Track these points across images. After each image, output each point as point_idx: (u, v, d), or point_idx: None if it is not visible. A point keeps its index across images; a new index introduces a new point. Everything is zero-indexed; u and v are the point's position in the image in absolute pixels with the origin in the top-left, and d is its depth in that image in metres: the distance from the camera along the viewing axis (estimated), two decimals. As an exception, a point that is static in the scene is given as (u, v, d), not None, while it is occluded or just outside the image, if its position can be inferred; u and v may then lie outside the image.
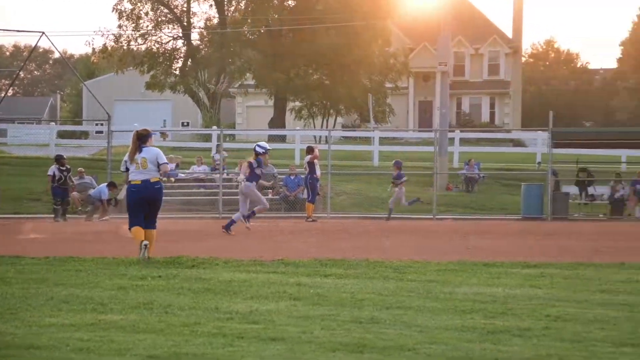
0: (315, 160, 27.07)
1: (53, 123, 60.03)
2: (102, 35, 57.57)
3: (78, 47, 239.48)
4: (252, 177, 21.36)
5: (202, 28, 59.70)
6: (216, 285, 11.15)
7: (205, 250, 15.73)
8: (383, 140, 45.39)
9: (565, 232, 23.16)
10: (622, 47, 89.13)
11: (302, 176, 29.21)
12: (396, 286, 11.22)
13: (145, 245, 13.97)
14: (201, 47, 59.83)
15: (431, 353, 7.37)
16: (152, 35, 58.23)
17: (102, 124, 52.29)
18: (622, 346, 7.67)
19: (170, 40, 59.33)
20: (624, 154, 39.74)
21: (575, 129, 57.06)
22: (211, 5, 59.40)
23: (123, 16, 57.25)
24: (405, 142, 51.20)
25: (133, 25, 57.41)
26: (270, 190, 32.44)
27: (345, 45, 52.83)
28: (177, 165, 34.63)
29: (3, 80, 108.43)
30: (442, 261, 14.00)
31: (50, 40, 44.25)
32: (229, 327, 8.43)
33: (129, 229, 14.44)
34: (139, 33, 57.59)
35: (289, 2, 58.78)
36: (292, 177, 32.03)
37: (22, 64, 75.32)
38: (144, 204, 14.26)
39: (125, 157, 14.63)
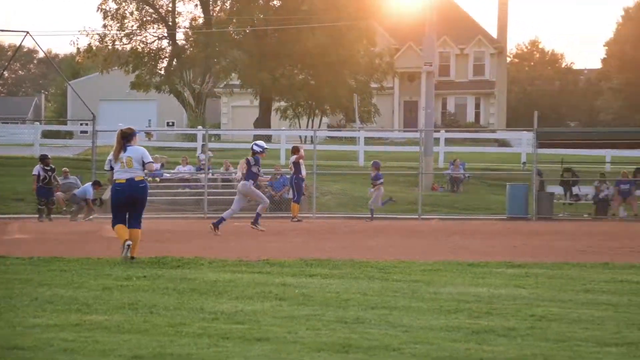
0: (301, 160, 27.06)
1: (37, 123, 59.85)
2: (87, 35, 57.43)
3: (63, 47, 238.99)
4: (249, 175, 21.29)
5: (187, 28, 59.57)
6: (201, 286, 11.13)
7: (190, 250, 15.71)
8: (368, 140, 45.43)
9: (550, 232, 23.21)
10: (606, 48, 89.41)
11: (288, 176, 29.19)
12: (381, 286, 11.23)
13: (128, 245, 13.94)
14: (186, 47, 59.71)
15: (416, 353, 7.38)
16: (137, 35, 58.09)
17: (86, 124, 52.25)
18: (606, 346, 7.69)
19: (155, 40, 59.21)
20: (608, 154, 39.90)
21: (560, 129, 57.28)
22: (196, 5, 59.31)
23: (108, 16, 57.08)
24: (390, 142, 51.29)
25: (118, 25, 57.26)
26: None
27: (330, 45, 52.84)
28: (162, 165, 34.60)
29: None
30: (427, 261, 14.02)
31: (35, 39, 44.03)
32: (214, 327, 8.41)
33: (112, 227, 14.41)
34: (124, 33, 57.44)
35: (275, 2, 58.74)
36: (278, 177, 32.02)
37: (7, 63, 74.85)
38: (128, 203, 14.22)
39: (110, 156, 14.57)
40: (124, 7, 57.39)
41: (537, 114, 32.35)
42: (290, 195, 28.65)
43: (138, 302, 9.77)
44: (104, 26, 57.38)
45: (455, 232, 22.55)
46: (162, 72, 60.00)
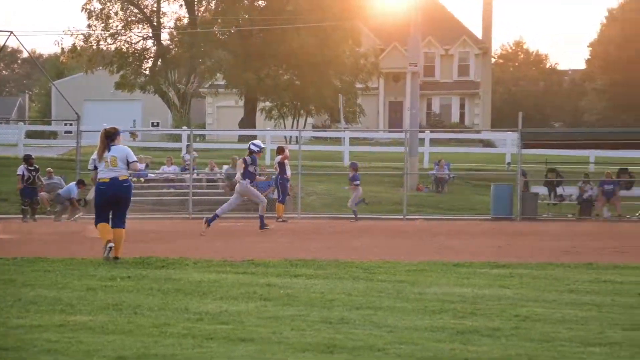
0: (286, 161, 27.03)
1: (21, 123, 59.59)
2: (72, 35, 57.33)
3: (47, 47, 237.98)
4: (246, 174, 21.28)
5: (172, 28, 59.50)
6: (186, 286, 11.11)
7: (175, 250, 15.68)
8: (353, 141, 45.46)
9: (534, 232, 23.27)
10: (590, 49, 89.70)
11: (273, 176, 29.16)
12: (366, 286, 11.23)
13: (110, 247, 13.92)
14: (171, 47, 59.64)
15: (401, 353, 7.38)
16: (121, 35, 57.99)
17: (71, 124, 52.05)
18: (590, 346, 7.71)
19: (140, 40, 59.13)
20: (592, 154, 40.05)
21: (544, 129, 57.40)
22: (181, 5, 59.26)
23: (92, 16, 56.96)
24: (375, 143, 51.34)
25: (102, 25, 57.15)
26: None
27: (315, 45, 52.87)
28: (147, 166, 34.54)
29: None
30: (412, 261, 14.03)
31: (19, 39, 43.95)
32: (199, 327, 8.40)
33: (95, 225, 14.38)
34: (109, 33, 57.33)
35: (260, 3, 58.75)
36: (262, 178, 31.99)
37: (-10, 63, 74.74)
38: (112, 202, 14.19)
39: (94, 156, 14.52)
40: (108, 7, 57.29)
41: (522, 114, 32.44)
42: (275, 196, 28.62)
43: (122, 303, 9.75)
44: (89, 26, 57.31)
45: (440, 233, 22.58)
46: (147, 72, 59.91)
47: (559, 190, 33.12)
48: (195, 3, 58.86)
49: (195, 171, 33.58)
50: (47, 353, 7.38)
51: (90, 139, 34.77)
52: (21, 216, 28.17)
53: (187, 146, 37.99)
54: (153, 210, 30.66)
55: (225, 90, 60.46)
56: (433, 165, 38.72)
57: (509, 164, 39.71)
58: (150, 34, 58.84)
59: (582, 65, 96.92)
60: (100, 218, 14.26)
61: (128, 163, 14.21)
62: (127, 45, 58.38)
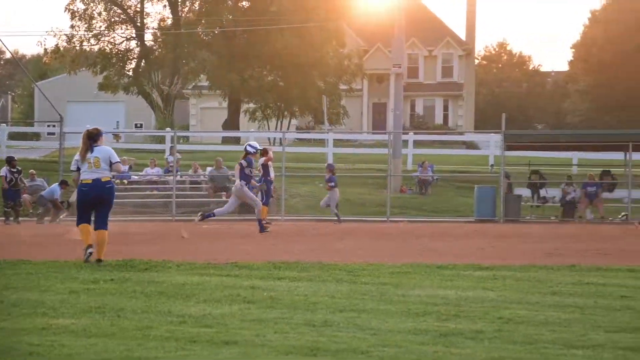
0: (270, 163, 26.99)
1: (4, 124, 59.27)
2: (55, 36, 57.15)
3: (30, 48, 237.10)
4: (242, 176, 21.28)
5: (156, 29, 59.37)
6: (169, 289, 11.08)
7: (158, 253, 15.64)
8: (337, 142, 45.50)
9: (518, 234, 23.33)
10: (573, 50, 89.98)
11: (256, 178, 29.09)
12: (349, 289, 11.23)
13: (90, 252, 13.89)
14: (155, 47, 59.52)
15: (384, 356, 7.38)
16: (105, 36, 57.83)
17: (54, 126, 51.84)
18: (573, 348, 7.74)
19: (123, 41, 58.95)
20: (575, 156, 40.19)
21: (527, 131, 57.53)
22: (165, 6, 59.12)
23: (76, 16, 56.77)
24: (359, 144, 51.40)
25: (86, 25, 56.97)
26: (225, 193, 32.39)
27: (299, 46, 52.85)
28: (130, 167, 34.45)
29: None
30: (395, 263, 14.04)
31: (1, 40, 43.77)
32: (182, 330, 8.39)
33: (77, 224, 14.36)
34: (92, 33, 57.16)
35: (243, 4, 58.67)
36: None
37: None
38: (94, 203, 14.14)
39: (76, 157, 14.44)
40: (92, 7, 57.11)
41: (505, 116, 32.54)
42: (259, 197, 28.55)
43: (105, 306, 9.72)
44: (72, 27, 57.10)
45: (423, 235, 22.62)
46: (130, 73, 59.76)
47: (542, 192, 33.23)
48: (179, 4, 58.75)
49: (178, 173, 33.52)
50: (29, 356, 7.35)
51: (73, 141, 34.62)
52: (3, 218, 28.06)
53: (171, 148, 37.92)
54: (136, 213, 30.59)
55: (208, 92, 60.39)
56: (417, 167, 38.77)
57: (492, 165, 39.79)
58: (134, 35, 58.69)
59: (565, 67, 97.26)
60: (82, 219, 14.25)
61: (111, 164, 14.18)
62: (110, 46, 58.23)
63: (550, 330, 8.55)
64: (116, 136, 53.69)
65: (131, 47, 59.50)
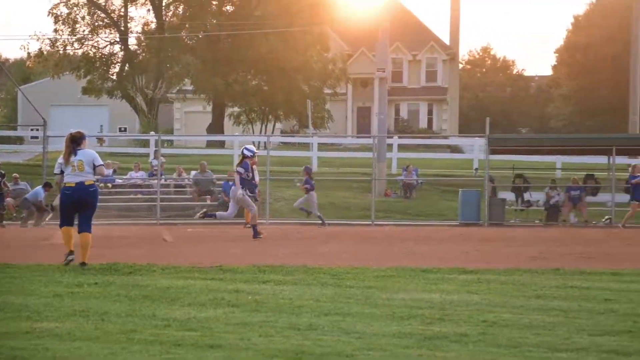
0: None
1: (-13, 128, 59.15)
2: (38, 40, 56.94)
3: (13, 51, 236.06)
4: (242, 183, 21.27)
5: (140, 33, 59.23)
6: (153, 292, 11.06)
7: (142, 256, 15.60)
8: (322, 146, 45.47)
9: (502, 237, 23.38)
10: (556, 55, 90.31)
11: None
12: (334, 292, 11.23)
13: (71, 259, 13.89)
14: (139, 52, 59.36)
15: (369, 359, 7.38)
16: (88, 40, 57.65)
17: (37, 129, 51.68)
18: (557, 351, 7.76)
19: (107, 45, 58.75)
20: (559, 160, 40.30)
21: (511, 135, 57.68)
22: (149, 10, 58.99)
23: (59, 20, 56.57)
24: (343, 148, 51.36)
25: (69, 29, 56.78)
26: (209, 197, 32.39)
27: (283, 50, 52.82)
28: (114, 171, 34.36)
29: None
30: (380, 267, 14.04)
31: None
32: (166, 334, 8.36)
33: (60, 226, 14.36)
34: (76, 37, 56.99)
35: (228, 8, 58.61)
36: (230, 183, 31.90)
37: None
38: (77, 206, 14.12)
39: (60, 160, 14.40)
40: (75, 11, 56.93)
41: (489, 120, 32.62)
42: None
43: (89, 309, 9.69)
44: (55, 31, 56.90)
45: (408, 238, 22.63)
46: (114, 77, 59.59)
47: (526, 196, 33.31)
48: (163, 8, 58.64)
49: (162, 177, 33.47)
50: (13, 360, 7.32)
51: (57, 144, 34.52)
52: (-13, 222, 27.97)
53: (155, 151, 37.85)
54: (120, 216, 30.52)
55: (193, 96, 60.27)
56: (401, 170, 38.80)
57: (476, 169, 39.88)
58: (118, 39, 58.51)
59: (549, 72, 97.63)
60: (64, 222, 14.26)
61: (94, 167, 14.15)
62: (94, 50, 58.05)
63: (535, 333, 8.56)
64: (100, 140, 53.62)
65: (115, 51, 59.35)
